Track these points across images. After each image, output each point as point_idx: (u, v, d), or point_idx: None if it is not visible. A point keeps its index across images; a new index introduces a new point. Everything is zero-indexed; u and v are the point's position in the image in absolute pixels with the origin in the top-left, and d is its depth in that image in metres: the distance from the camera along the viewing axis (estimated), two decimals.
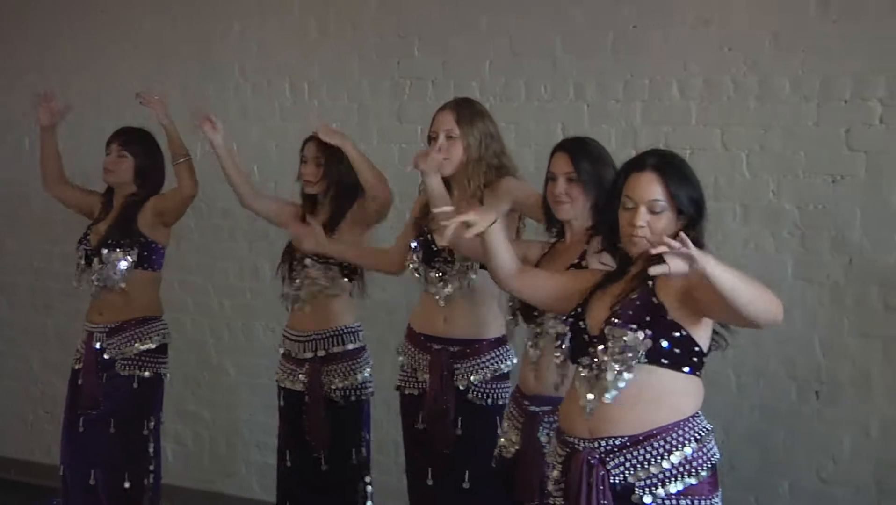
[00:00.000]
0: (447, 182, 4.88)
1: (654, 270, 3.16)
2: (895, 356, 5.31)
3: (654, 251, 3.18)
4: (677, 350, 3.53)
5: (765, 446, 5.58)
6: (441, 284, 4.89)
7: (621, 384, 3.52)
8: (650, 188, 3.56)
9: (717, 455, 3.64)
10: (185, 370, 6.60)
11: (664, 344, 3.50)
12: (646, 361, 3.50)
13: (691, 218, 3.55)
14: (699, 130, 5.74)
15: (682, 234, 3.12)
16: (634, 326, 3.51)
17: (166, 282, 6.08)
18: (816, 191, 5.46)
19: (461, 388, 4.88)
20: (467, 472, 4.88)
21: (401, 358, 5.12)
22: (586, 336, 3.65)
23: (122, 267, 5.68)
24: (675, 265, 3.10)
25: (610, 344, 3.53)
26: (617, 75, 5.91)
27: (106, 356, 5.71)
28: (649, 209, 3.54)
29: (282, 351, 5.63)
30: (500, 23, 6.20)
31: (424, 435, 4.98)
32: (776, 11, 5.52)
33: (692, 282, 3.41)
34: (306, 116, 6.62)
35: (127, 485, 5.78)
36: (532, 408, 4.28)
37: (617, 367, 3.51)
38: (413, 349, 5.04)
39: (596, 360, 3.58)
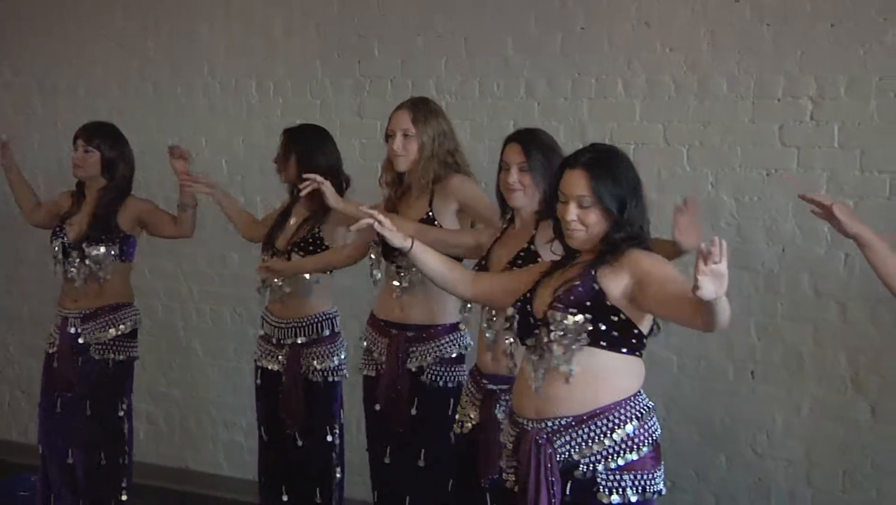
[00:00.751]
0: (402, 177, 4.93)
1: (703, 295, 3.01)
2: (824, 339, 5.35)
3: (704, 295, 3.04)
4: (616, 333, 3.55)
5: (704, 422, 5.63)
6: (398, 275, 4.91)
7: (572, 367, 3.54)
8: (578, 184, 3.58)
9: (659, 431, 3.68)
10: (157, 353, 6.59)
11: (602, 327, 3.52)
12: (587, 343, 3.53)
13: (618, 214, 3.57)
14: (642, 126, 5.76)
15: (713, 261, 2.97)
16: (574, 310, 3.53)
17: (138, 269, 6.09)
18: (752, 184, 5.50)
19: (414, 370, 4.90)
20: (423, 450, 4.90)
21: (364, 343, 5.14)
22: (531, 319, 3.68)
23: (107, 261, 5.68)
24: (709, 291, 2.99)
25: (552, 327, 3.55)
26: (565, 74, 5.92)
27: (81, 341, 5.70)
28: (578, 204, 3.57)
29: (261, 333, 5.62)
30: (455, 25, 6.19)
31: (382, 415, 5.00)
32: (714, 15, 5.53)
33: (644, 281, 3.49)
34: (271, 113, 6.72)
35: (103, 463, 5.78)
36: (490, 386, 4.30)
37: (561, 350, 3.54)
38: (374, 334, 5.06)
39: (541, 342, 3.61)
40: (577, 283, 3.60)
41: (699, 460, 5.66)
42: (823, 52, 5.30)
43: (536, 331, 3.64)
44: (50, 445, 5.85)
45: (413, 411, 4.90)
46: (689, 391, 5.67)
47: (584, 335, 3.53)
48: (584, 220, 3.59)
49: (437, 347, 4.91)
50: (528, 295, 3.77)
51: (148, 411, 7.06)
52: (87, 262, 5.67)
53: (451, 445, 4.64)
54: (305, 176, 4.94)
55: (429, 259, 4.06)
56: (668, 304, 3.48)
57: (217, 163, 6.88)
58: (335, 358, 5.50)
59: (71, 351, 5.73)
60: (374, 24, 6.42)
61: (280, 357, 5.48)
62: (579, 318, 3.53)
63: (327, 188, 4.88)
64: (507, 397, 4.09)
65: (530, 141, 4.34)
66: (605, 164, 3.64)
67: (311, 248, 5.38)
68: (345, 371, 5.56)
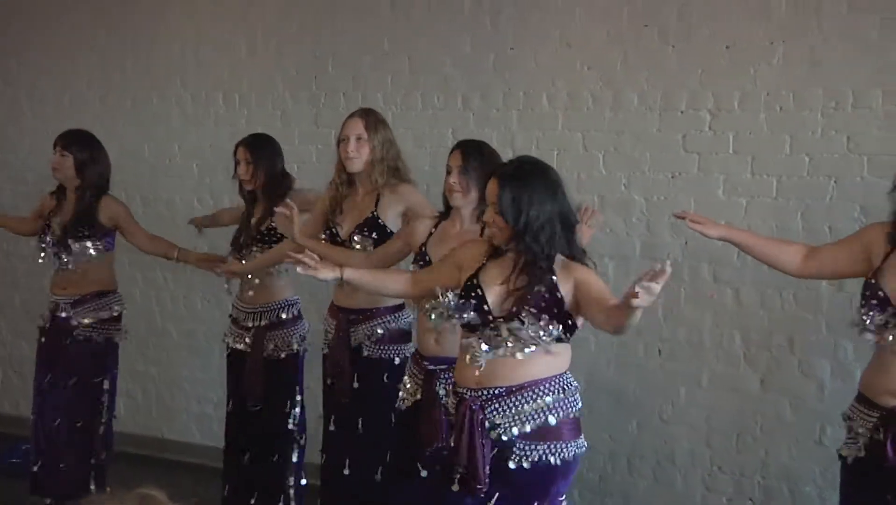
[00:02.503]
0: (353, 179, 4.95)
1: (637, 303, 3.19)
2: (721, 320, 5.41)
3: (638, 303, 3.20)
4: (564, 330, 3.64)
5: (618, 393, 5.68)
6: None
7: (526, 351, 3.61)
8: (493, 192, 3.67)
9: (579, 406, 3.74)
10: (135, 335, 6.56)
11: (560, 326, 3.62)
12: (549, 343, 3.63)
13: (513, 223, 3.63)
14: (564, 135, 5.78)
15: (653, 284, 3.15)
16: (546, 317, 3.60)
17: (118, 260, 6.06)
18: (659, 185, 5.54)
19: (354, 346, 4.91)
20: (361, 419, 4.93)
21: (324, 325, 5.16)
22: (490, 316, 3.69)
23: (92, 253, 5.68)
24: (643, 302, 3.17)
25: (516, 325, 3.61)
26: (497, 89, 5.94)
27: (73, 322, 5.70)
28: (494, 210, 3.66)
29: (232, 317, 5.62)
30: (399, 45, 6.20)
31: (332, 388, 5.04)
32: (626, 38, 5.57)
33: (579, 288, 3.62)
34: (237, 123, 6.68)
35: (83, 429, 5.78)
36: (430, 366, 4.31)
37: (518, 344, 3.61)
38: (329, 317, 5.09)
39: (497, 333, 3.64)
40: (543, 290, 3.64)
41: (614, 426, 5.70)
42: (720, 71, 5.36)
43: (492, 325, 3.67)
44: (40, 415, 5.84)
45: (355, 384, 4.92)
46: (605, 367, 5.72)
47: (543, 333, 3.61)
48: (498, 223, 3.67)
49: (375, 326, 4.92)
50: (480, 292, 3.76)
51: (127, 387, 7.04)
52: (71, 253, 5.65)
53: (389, 416, 4.67)
54: (282, 207, 4.91)
55: (363, 279, 4.15)
56: (591, 307, 3.60)
57: (189, 166, 6.90)
58: (294, 339, 5.50)
59: (60, 332, 5.72)
60: (328, 44, 6.42)
61: (246, 338, 5.48)
62: (550, 326, 3.61)
63: (296, 219, 4.87)
64: (447, 375, 4.12)
65: (471, 149, 4.40)
66: (515, 176, 3.69)
67: (270, 240, 5.38)
68: (305, 348, 5.56)
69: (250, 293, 5.49)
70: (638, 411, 5.68)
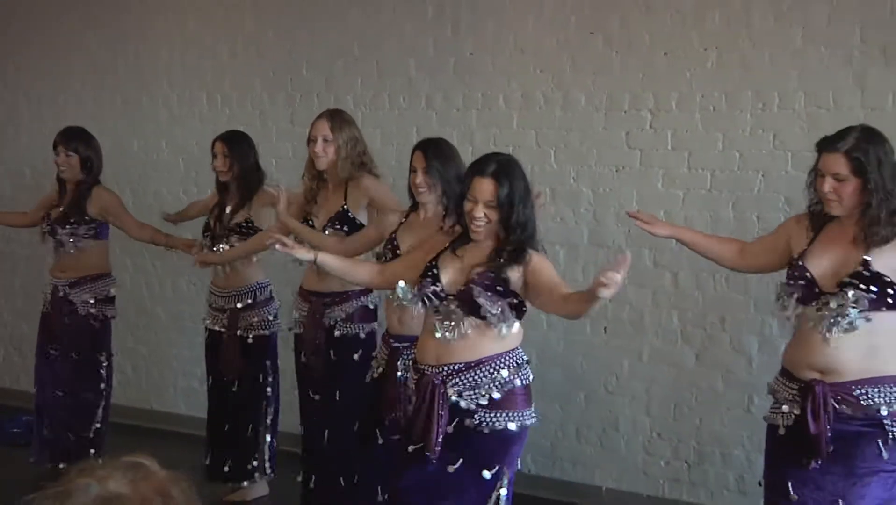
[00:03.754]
0: (322, 174, 4.95)
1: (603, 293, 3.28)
2: (661, 301, 5.45)
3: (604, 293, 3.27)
4: (512, 309, 3.68)
5: (567, 367, 5.71)
6: None
7: (469, 330, 3.67)
8: (487, 191, 3.67)
9: (531, 378, 3.79)
10: (126, 317, 6.55)
11: (510, 307, 3.66)
12: (500, 322, 3.67)
13: (508, 211, 3.68)
14: (519, 132, 5.79)
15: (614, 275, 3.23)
16: (489, 294, 3.64)
17: (111, 248, 6.07)
18: (604, 178, 5.56)
19: (328, 326, 4.94)
20: (337, 391, 4.97)
21: (294, 308, 5.18)
22: (443, 294, 3.74)
23: (81, 240, 5.73)
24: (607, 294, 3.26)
25: (464, 306, 3.66)
26: (457, 90, 5.95)
27: (72, 300, 5.75)
28: (485, 206, 3.67)
29: (209, 301, 5.63)
30: (368, 50, 6.20)
31: (306, 364, 5.07)
32: (574, 44, 5.59)
33: (533, 276, 3.67)
34: (219, 121, 6.63)
35: (82, 400, 5.83)
36: (395, 344, 4.35)
37: (470, 320, 3.67)
38: (299, 300, 5.10)
39: (450, 310, 3.70)
40: (492, 273, 3.69)
41: (563, 397, 5.73)
42: (659, 75, 5.38)
43: (446, 302, 3.72)
44: (42, 387, 5.87)
45: (332, 358, 4.97)
46: (555, 343, 5.74)
47: (492, 310, 3.65)
48: (489, 216, 3.69)
49: (347, 306, 4.96)
50: (436, 272, 3.81)
51: (119, 363, 6.99)
52: (62, 244, 5.71)
53: (361, 387, 4.72)
54: (270, 187, 4.98)
55: (335, 265, 4.13)
56: (542, 293, 3.66)
57: (175, 161, 6.89)
58: (266, 319, 5.52)
59: (61, 310, 5.77)
60: (303, 49, 6.42)
61: (223, 319, 5.50)
62: (490, 302, 3.65)
63: (283, 199, 4.88)
64: (409, 352, 4.16)
65: (431, 149, 4.42)
66: (509, 174, 3.72)
67: (247, 231, 5.38)
68: (276, 328, 5.57)
69: (224, 278, 5.50)
70: (585, 384, 5.70)
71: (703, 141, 5.28)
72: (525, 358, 3.83)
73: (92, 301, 5.82)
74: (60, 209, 5.77)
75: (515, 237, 3.72)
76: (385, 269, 4.17)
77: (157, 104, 6.98)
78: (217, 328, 5.56)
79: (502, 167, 3.76)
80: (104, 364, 5.91)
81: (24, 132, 7.43)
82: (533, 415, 3.84)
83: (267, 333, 5.55)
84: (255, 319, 5.51)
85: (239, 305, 5.48)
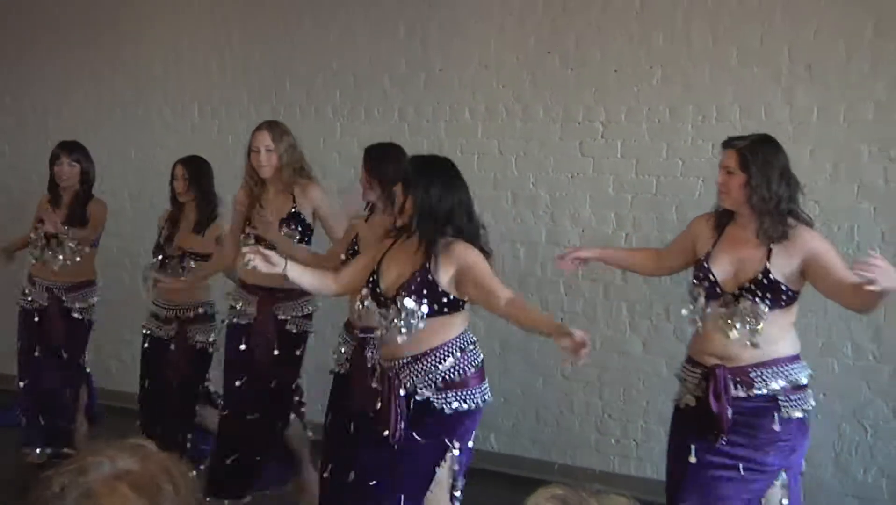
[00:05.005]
0: (265, 181, 4.83)
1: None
2: (611, 294, 5.50)
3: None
4: (446, 307, 3.67)
5: (527, 355, 5.74)
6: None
7: (412, 329, 3.63)
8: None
9: (480, 358, 3.77)
10: (124, 311, 6.55)
11: (435, 306, 3.65)
12: (426, 315, 3.65)
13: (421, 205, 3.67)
14: (483, 141, 5.83)
15: None
16: (415, 298, 3.63)
17: (108, 248, 6.10)
18: (561, 184, 5.61)
19: (280, 318, 4.85)
20: (275, 381, 4.89)
21: (231, 300, 5.03)
22: (382, 297, 3.73)
23: (86, 250, 5.71)
24: None
25: (399, 307, 3.65)
26: (428, 103, 5.98)
27: (67, 305, 5.73)
28: (402, 193, 3.74)
29: (153, 311, 5.47)
30: (346, 66, 6.22)
31: (246, 353, 4.89)
32: (532, 62, 5.64)
33: (467, 272, 3.63)
34: (209, 131, 6.69)
35: (75, 397, 5.88)
36: (361, 335, 4.27)
37: (403, 323, 3.64)
38: (244, 293, 4.93)
39: (389, 313, 3.68)
40: (419, 276, 3.65)
41: (524, 382, 5.77)
42: (610, 90, 5.44)
43: (384, 307, 3.71)
44: (35, 381, 5.83)
45: (276, 351, 4.87)
46: (517, 332, 5.45)
47: (422, 313, 3.64)
48: (407, 206, 3.72)
49: (298, 304, 4.86)
50: (375, 277, 3.80)
51: (117, 351, 7.05)
52: (65, 248, 5.62)
53: (295, 378, 4.83)
54: (266, 220, 4.72)
55: (302, 280, 3.94)
56: (479, 291, 3.65)
57: (169, 167, 6.67)
58: (211, 334, 5.42)
59: (59, 312, 5.75)
60: (286, 65, 6.43)
61: (170, 331, 5.39)
62: (418, 305, 3.63)
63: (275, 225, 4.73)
64: (375, 341, 4.10)
65: (372, 152, 4.46)
66: (424, 174, 3.72)
67: (200, 255, 5.30)
68: (213, 340, 5.43)
69: (171, 294, 5.37)
70: (543, 370, 5.73)
71: (650, 150, 5.34)
72: (472, 339, 3.79)
73: (86, 307, 5.80)
74: (62, 219, 5.65)
75: (424, 229, 3.68)
76: (340, 277, 4.06)
77: (153, 115, 6.97)
78: (162, 336, 5.44)
79: (418, 164, 3.80)
80: (86, 362, 5.94)
81: (31, 141, 7.34)
82: (485, 392, 3.79)
83: (210, 344, 5.45)
84: (201, 335, 5.41)
85: (186, 317, 5.38)
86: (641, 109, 5.38)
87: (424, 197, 3.69)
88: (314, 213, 4.88)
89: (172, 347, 5.40)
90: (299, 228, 4.86)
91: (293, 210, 4.85)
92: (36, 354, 5.79)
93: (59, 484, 1.38)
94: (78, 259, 5.68)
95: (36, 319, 5.80)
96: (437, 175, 3.76)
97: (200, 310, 5.41)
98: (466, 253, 3.68)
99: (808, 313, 5.03)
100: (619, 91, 5.43)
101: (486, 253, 3.76)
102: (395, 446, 3.71)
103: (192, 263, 5.32)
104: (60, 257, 5.64)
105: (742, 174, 3.63)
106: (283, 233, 4.77)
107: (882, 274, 3.15)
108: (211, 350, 5.44)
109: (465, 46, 5.87)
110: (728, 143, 3.73)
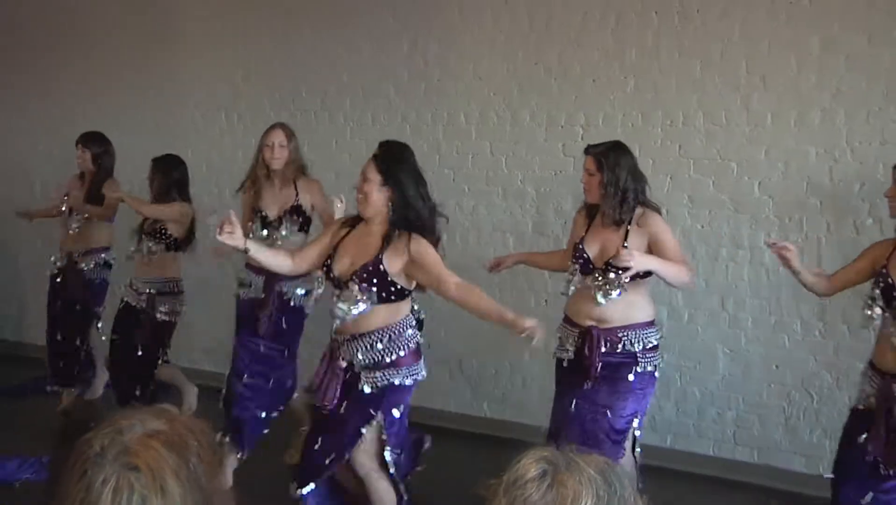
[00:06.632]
0: (272, 174, 4.94)
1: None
2: None
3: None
4: (393, 295, 3.69)
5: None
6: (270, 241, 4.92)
7: (356, 312, 3.66)
8: (369, 167, 3.73)
9: (417, 340, 3.79)
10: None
11: (384, 294, 3.68)
12: (376, 302, 3.68)
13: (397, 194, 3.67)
14: (477, 143, 5.83)
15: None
16: (365, 286, 3.65)
17: (123, 227, 6.13)
18: (546, 180, 5.62)
19: (282, 294, 4.94)
20: (288, 349, 5.03)
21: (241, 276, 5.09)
22: (336, 281, 3.75)
23: (102, 222, 6.05)
24: None
25: (348, 291, 3.68)
26: (427, 109, 6.00)
27: (81, 266, 6.06)
28: (366, 181, 3.72)
29: (129, 283, 5.63)
30: (355, 76, 6.22)
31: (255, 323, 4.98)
32: (521, 73, 5.65)
33: (418, 262, 3.64)
34: (236, 133, 6.67)
35: (84, 345, 6.17)
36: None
37: (351, 305, 3.67)
38: (252, 273, 4.98)
39: (341, 295, 3.71)
40: (371, 265, 3.65)
41: (512, 357, 5.75)
42: (589, 97, 5.46)
43: (339, 289, 3.73)
44: (56, 329, 6.19)
45: (284, 326, 4.99)
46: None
47: (369, 299, 3.66)
48: (367, 192, 3.69)
49: (298, 282, 4.92)
50: (330, 262, 3.78)
51: None
52: (82, 219, 5.99)
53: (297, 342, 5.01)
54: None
55: (259, 256, 3.88)
56: (430, 278, 3.69)
57: (199, 167, 6.69)
58: (175, 308, 5.62)
59: (75, 273, 6.08)
60: (302, 75, 6.44)
61: (142, 301, 5.54)
62: (365, 292, 3.64)
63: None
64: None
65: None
66: (395, 160, 3.71)
67: (160, 237, 5.50)
68: (180, 312, 5.66)
69: (145, 268, 5.55)
70: (529, 347, 5.68)
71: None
72: (411, 324, 3.80)
73: (97, 267, 6.10)
74: (83, 196, 6.03)
75: (400, 222, 3.66)
76: (303, 258, 4.00)
77: (185, 121, 6.98)
78: (135, 304, 5.60)
79: (388, 153, 3.76)
80: (100, 313, 6.19)
81: (69, 146, 7.26)
82: (416, 372, 3.79)
83: (173, 319, 5.64)
84: (167, 307, 5.59)
85: (155, 291, 5.55)
86: (616, 115, 5.40)
87: (401, 190, 3.66)
88: (313, 206, 5.01)
89: (141, 316, 5.58)
90: (300, 219, 5.00)
91: (296, 203, 4.98)
92: (57, 309, 6.17)
93: (100, 444, 1.40)
94: (86, 228, 6.03)
95: (58, 279, 6.16)
96: (408, 169, 3.71)
97: (166, 287, 5.59)
98: (417, 244, 3.66)
99: (762, 294, 5.12)
100: (596, 99, 5.46)
101: (437, 238, 3.77)
102: (333, 415, 3.74)
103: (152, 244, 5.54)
104: (75, 225, 6.05)
105: (599, 174, 3.98)
106: (284, 223, 4.93)
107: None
108: (174, 320, 5.65)
109: (461, 60, 5.90)
110: (587, 150, 4.08)
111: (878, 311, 3.62)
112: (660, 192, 5.25)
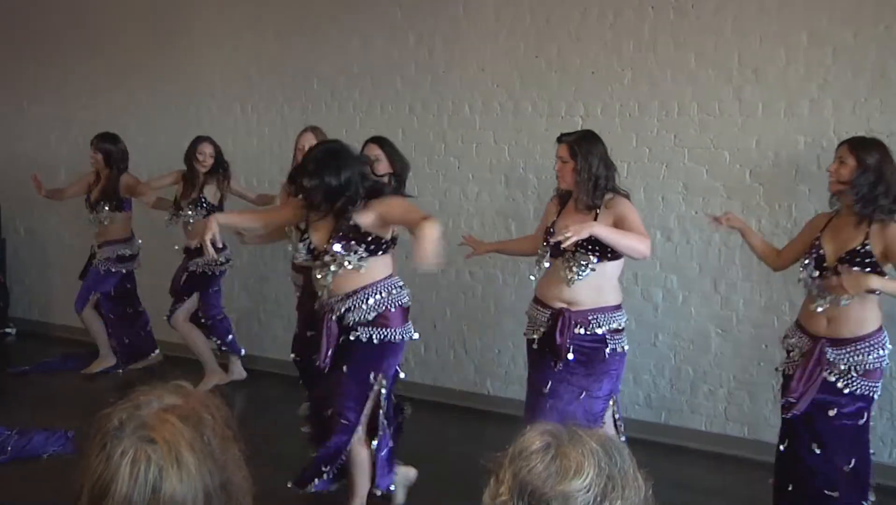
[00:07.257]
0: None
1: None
2: None
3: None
4: (372, 246, 3.80)
5: (516, 315, 5.56)
6: None
7: (339, 270, 3.79)
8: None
9: (405, 300, 3.89)
10: (155, 266, 6.61)
11: (363, 246, 3.79)
12: (356, 257, 3.77)
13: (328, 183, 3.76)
14: (480, 133, 5.81)
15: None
16: (344, 243, 3.77)
17: (142, 222, 6.29)
18: (546, 168, 5.50)
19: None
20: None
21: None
22: (316, 252, 3.86)
23: (111, 213, 6.33)
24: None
25: (335, 253, 3.78)
26: (434, 99, 5.98)
27: (101, 256, 6.42)
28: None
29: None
30: (364, 68, 6.23)
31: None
32: (522, 65, 5.64)
33: (386, 213, 3.76)
34: (251, 123, 6.70)
35: (130, 310, 6.53)
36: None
37: (337, 264, 3.78)
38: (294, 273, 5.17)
39: (325, 262, 3.82)
40: (341, 229, 3.78)
41: (514, 337, 5.66)
42: (589, 89, 5.46)
43: (321, 259, 3.84)
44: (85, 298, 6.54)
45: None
46: (510, 297, 5.80)
47: (353, 253, 3.77)
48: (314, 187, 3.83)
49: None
50: (307, 235, 3.89)
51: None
52: (101, 213, 6.29)
53: None
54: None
55: (230, 221, 4.26)
56: (401, 220, 3.77)
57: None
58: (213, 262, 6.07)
59: (98, 263, 6.45)
60: (314, 68, 6.44)
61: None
62: (344, 249, 3.76)
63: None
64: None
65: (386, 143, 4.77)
66: (320, 162, 3.80)
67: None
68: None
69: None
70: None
71: (621, 140, 5.34)
72: (399, 284, 3.92)
73: (114, 258, 6.40)
74: (99, 192, 6.32)
75: (336, 202, 3.79)
76: (270, 225, 4.24)
77: (202, 112, 6.97)
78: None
79: (324, 148, 3.90)
80: (130, 291, 6.58)
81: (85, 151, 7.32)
82: (408, 331, 3.91)
83: (209, 272, 6.18)
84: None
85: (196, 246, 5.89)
86: (614, 106, 5.40)
87: (321, 184, 3.77)
88: None
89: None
90: None
91: None
92: (93, 291, 6.53)
93: (118, 419, 1.41)
94: (106, 222, 6.35)
95: (89, 268, 6.53)
96: (329, 163, 3.82)
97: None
98: (380, 200, 3.82)
99: (753, 278, 5.13)
100: (595, 90, 5.46)
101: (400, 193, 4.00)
102: (332, 374, 3.86)
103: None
104: (94, 218, 6.42)
105: (572, 161, 3.98)
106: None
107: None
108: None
109: (465, 52, 5.90)
110: (560, 139, 4.07)
111: (807, 274, 3.82)
112: (656, 179, 5.31)
